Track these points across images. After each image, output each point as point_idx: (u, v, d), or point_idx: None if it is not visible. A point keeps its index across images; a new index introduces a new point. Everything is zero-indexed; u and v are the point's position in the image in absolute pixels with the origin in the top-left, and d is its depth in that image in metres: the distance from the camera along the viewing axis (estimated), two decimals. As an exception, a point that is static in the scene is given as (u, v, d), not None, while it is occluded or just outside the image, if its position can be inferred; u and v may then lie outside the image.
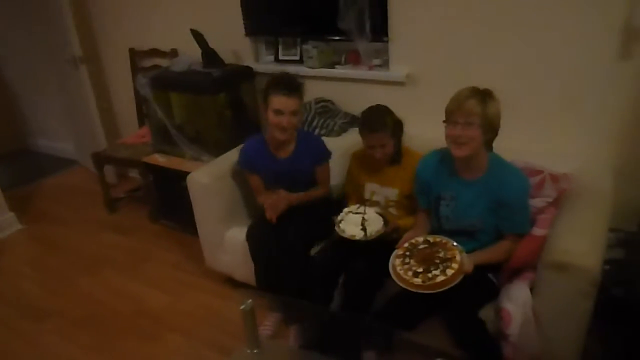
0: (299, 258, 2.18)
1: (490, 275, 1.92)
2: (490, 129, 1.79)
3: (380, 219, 2.08)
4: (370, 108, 2.16)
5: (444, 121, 1.83)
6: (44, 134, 4.95)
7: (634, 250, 2.05)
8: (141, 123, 3.74)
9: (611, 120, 2.18)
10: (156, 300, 2.71)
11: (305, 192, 2.37)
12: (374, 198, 2.23)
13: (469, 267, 1.76)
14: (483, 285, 1.89)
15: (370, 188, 2.25)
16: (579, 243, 1.68)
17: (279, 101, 2.14)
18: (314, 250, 2.28)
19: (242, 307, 1.85)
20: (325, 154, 2.37)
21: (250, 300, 1.88)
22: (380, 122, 2.07)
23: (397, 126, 2.12)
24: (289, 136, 2.25)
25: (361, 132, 2.13)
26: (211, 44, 3.03)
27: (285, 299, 2.24)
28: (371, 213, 2.10)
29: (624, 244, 2.22)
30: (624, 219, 2.14)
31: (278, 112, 2.15)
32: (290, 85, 2.16)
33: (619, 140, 2.20)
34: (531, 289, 1.81)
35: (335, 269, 2.11)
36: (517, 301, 1.78)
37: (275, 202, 2.26)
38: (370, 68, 2.71)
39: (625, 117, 2.15)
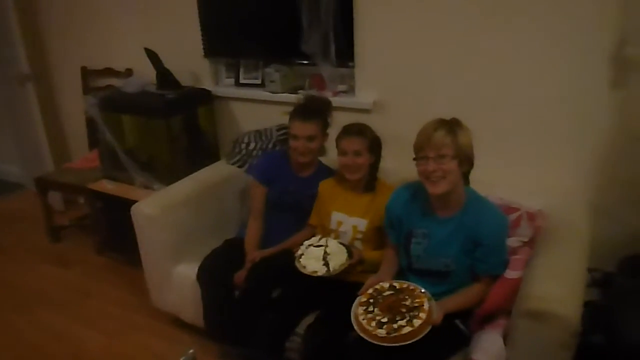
0: (259, 304, 2.01)
1: (458, 322, 1.75)
2: (465, 159, 1.68)
3: (344, 250, 1.94)
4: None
5: (414, 158, 1.70)
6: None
7: (616, 294, 1.91)
8: (92, 146, 3.50)
9: (589, 153, 2.07)
10: (94, 342, 2.45)
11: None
12: (341, 229, 2.07)
13: (438, 316, 1.59)
14: (450, 333, 1.71)
15: (337, 218, 2.08)
16: (556, 288, 1.53)
17: (294, 126, 2.16)
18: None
19: (181, 358, 1.64)
20: None
21: (192, 351, 1.67)
22: (359, 129, 2.02)
23: (375, 142, 2.03)
24: (308, 160, 2.22)
25: (337, 138, 2.05)
26: (168, 65, 2.85)
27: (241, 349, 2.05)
28: (333, 245, 1.94)
29: (601, 284, 2.10)
30: (600, 257, 2.02)
31: (294, 137, 2.15)
32: (307, 111, 2.16)
33: (596, 174, 2.09)
34: (505, 337, 1.65)
35: (290, 322, 1.96)
36: (488, 352, 1.61)
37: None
38: (335, 94, 2.57)
39: (605, 150, 2.04)
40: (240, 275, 2.11)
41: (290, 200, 2.27)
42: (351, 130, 2.01)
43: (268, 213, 2.31)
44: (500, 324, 1.71)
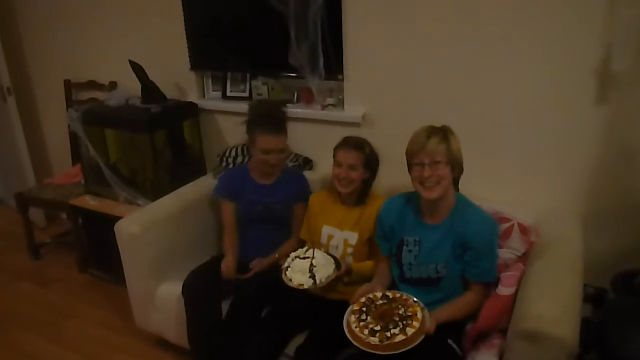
0: (247, 325, 1.94)
1: (450, 341, 1.70)
2: (457, 165, 1.73)
3: (331, 261, 1.91)
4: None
5: (408, 164, 1.73)
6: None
7: (610, 311, 1.87)
8: (75, 161, 3.42)
9: (579, 169, 2.05)
10: (74, 365, 2.35)
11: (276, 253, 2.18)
12: (332, 243, 2.03)
13: (431, 326, 1.58)
14: (442, 353, 1.67)
15: (327, 232, 2.05)
16: (552, 308, 1.48)
17: (266, 141, 2.08)
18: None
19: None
20: (307, 192, 2.27)
21: (175, 376, 1.60)
22: (357, 143, 1.98)
23: (372, 158, 1.99)
24: (279, 169, 2.22)
25: (335, 148, 2.01)
26: (153, 78, 2.79)
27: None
28: (320, 256, 1.90)
29: (593, 300, 2.06)
30: (591, 273, 1.98)
31: (266, 151, 2.09)
32: (278, 124, 2.12)
33: (586, 190, 2.07)
34: (500, 358, 1.60)
35: (279, 343, 1.90)
36: (483, 374, 1.57)
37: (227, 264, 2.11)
38: (324, 107, 2.53)
39: (594, 166, 2.02)
40: (227, 265, 2.08)
41: (261, 210, 2.22)
42: (349, 143, 1.98)
43: (245, 228, 2.26)
44: (495, 345, 1.67)
